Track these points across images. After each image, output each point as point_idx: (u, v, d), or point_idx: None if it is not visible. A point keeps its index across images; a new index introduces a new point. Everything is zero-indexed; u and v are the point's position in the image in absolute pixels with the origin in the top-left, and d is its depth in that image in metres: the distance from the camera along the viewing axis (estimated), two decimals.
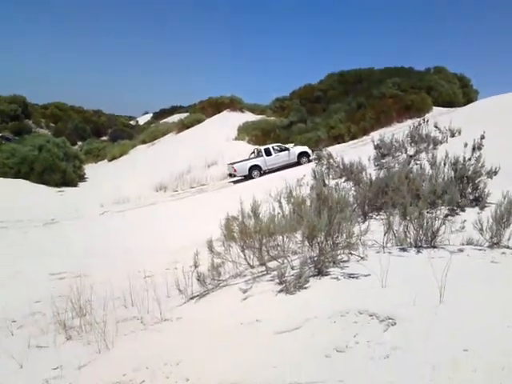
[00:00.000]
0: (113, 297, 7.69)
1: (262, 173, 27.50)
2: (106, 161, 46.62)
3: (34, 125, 76.27)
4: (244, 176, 27.35)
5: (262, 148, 28.65)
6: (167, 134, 50.24)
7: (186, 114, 60.43)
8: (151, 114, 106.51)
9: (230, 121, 44.83)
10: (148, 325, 5.94)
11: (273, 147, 28.65)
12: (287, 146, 29.58)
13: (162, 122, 72.15)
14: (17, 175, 33.50)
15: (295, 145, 31.69)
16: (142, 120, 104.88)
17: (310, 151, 28.16)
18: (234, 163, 27.76)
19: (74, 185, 34.95)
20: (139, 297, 7.20)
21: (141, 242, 15.52)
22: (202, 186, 27.97)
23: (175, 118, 66.36)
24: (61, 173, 34.31)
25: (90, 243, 17.10)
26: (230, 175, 27.72)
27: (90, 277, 9.95)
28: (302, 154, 28.42)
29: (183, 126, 49.54)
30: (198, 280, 6.55)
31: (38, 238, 19.61)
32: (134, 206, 25.20)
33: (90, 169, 41.23)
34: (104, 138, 68.91)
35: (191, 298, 6.59)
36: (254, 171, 27.44)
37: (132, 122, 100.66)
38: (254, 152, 29.30)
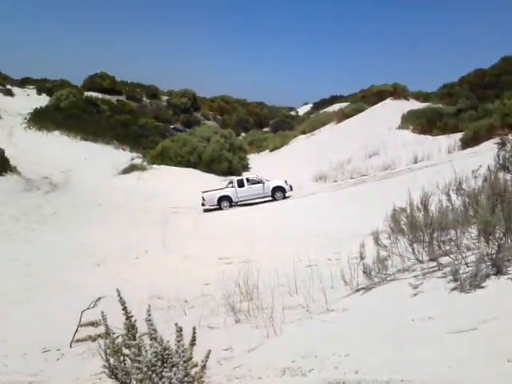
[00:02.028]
0: (278, 283, 7.88)
1: (233, 204, 26.46)
2: (267, 151, 47.98)
3: (202, 117, 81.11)
4: (213, 206, 26.24)
5: (236, 179, 27.61)
6: (327, 123, 50.17)
7: (346, 104, 59.88)
8: (311, 105, 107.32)
9: (392, 109, 43.41)
10: (314, 314, 5.98)
11: (247, 179, 27.56)
12: (264, 179, 27.30)
13: (321, 112, 72.32)
14: (187, 164, 35.97)
15: None
16: (302, 110, 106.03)
17: (286, 186, 26.65)
18: (206, 192, 26.59)
19: (239, 174, 36.55)
20: (303, 285, 7.27)
21: (301, 231, 15.74)
22: (362, 177, 27.51)
23: (335, 107, 66.05)
24: (227, 163, 36.13)
25: (252, 230, 17.80)
26: (203, 204, 26.26)
27: (255, 262, 10.31)
28: (276, 189, 26.60)
29: (343, 115, 49.14)
30: (364, 272, 6.44)
31: (207, 224, 20.87)
32: (294, 196, 25.66)
33: (252, 159, 42.78)
34: (266, 129, 70.88)
35: (357, 290, 6.50)
36: (224, 202, 26.31)
37: (292, 113, 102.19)
38: (231, 182, 27.89)
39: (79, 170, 36.35)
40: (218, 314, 7.16)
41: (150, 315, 2.19)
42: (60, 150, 40.82)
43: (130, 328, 2.48)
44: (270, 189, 26.43)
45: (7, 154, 34.24)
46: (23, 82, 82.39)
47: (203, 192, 26.28)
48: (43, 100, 63.51)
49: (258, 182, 26.90)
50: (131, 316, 2.41)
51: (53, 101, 57.58)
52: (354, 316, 5.56)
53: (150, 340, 2.25)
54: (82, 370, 6.89)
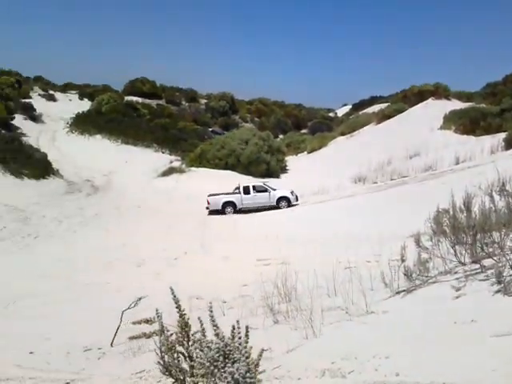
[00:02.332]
0: (316, 285, 7.83)
1: (238, 210, 26.14)
2: (305, 153, 47.80)
3: (240, 119, 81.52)
4: (217, 211, 25.98)
5: (242, 185, 26.99)
6: (366, 124, 49.68)
7: (386, 104, 59.18)
8: (350, 106, 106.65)
9: (434, 109, 42.60)
10: (353, 316, 5.91)
11: (253, 186, 26.97)
12: (271, 188, 26.97)
13: (361, 113, 71.76)
14: (225, 166, 36.20)
15: None
16: (341, 112, 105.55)
17: (291, 196, 26.25)
18: (212, 195, 26.43)
19: (277, 176, 36.60)
20: (342, 287, 7.21)
21: (338, 233, 15.61)
22: (402, 178, 27.07)
23: (375, 108, 65.45)
24: (265, 165, 36.18)
25: (290, 232, 17.75)
26: (207, 208, 26.05)
27: (293, 264, 10.28)
28: (281, 199, 26.26)
29: (383, 116, 48.55)
30: (405, 275, 6.34)
31: (244, 226, 20.94)
32: (333, 198, 25.45)
33: (290, 161, 42.69)
34: (304, 131, 70.69)
35: (397, 293, 6.40)
36: (228, 208, 26.12)
37: (331, 114, 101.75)
38: (237, 187, 27.22)
39: (120, 172, 37.07)
40: (257, 315, 7.16)
41: (211, 311, 2.24)
42: (101, 153, 41.71)
43: (184, 325, 2.54)
44: (276, 198, 26.31)
45: (50, 158, 35.23)
46: (65, 88, 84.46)
47: (209, 195, 26.31)
48: (85, 105, 65.00)
49: (265, 191, 26.66)
50: (184, 314, 2.45)
51: (94, 105, 58.85)
52: (395, 318, 5.47)
53: (202, 336, 2.30)
54: (123, 368, 6.99)
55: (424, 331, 4.73)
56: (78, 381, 7.10)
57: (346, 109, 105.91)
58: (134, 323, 8.45)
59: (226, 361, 2.13)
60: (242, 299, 8.91)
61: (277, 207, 25.95)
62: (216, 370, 2.13)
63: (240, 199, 26.22)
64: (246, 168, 35.97)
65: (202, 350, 2.25)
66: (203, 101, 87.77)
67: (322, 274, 8.15)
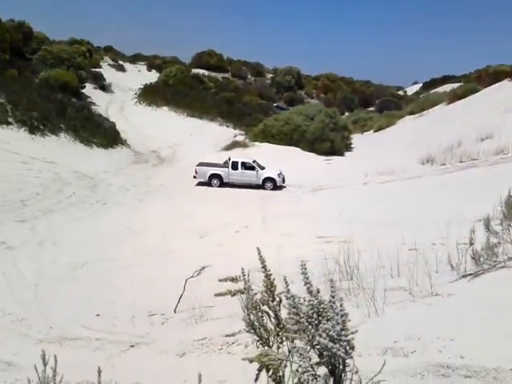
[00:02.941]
0: (379, 265, 7.72)
1: (225, 184, 25.95)
2: (371, 131, 46.87)
3: (306, 95, 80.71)
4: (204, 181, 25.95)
5: (232, 160, 26.62)
6: (437, 104, 47.92)
7: (458, 84, 56.94)
8: (420, 84, 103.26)
9: (509, 91, 40.67)
10: (417, 297, 5.82)
11: (243, 163, 26.44)
12: (259, 167, 26.36)
13: (432, 92, 69.38)
14: (289, 142, 36.02)
15: None
16: (411, 90, 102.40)
17: (278, 178, 25.79)
18: (200, 165, 26.48)
19: (341, 154, 36.09)
20: (406, 268, 7.08)
21: (403, 215, 15.28)
22: (472, 161, 26.08)
23: (446, 87, 63.04)
24: (330, 142, 35.74)
25: (353, 210, 17.53)
26: (194, 177, 26.02)
27: (355, 243, 10.17)
28: (267, 179, 25.87)
29: (455, 96, 46.60)
30: (473, 258, 6.14)
31: (306, 203, 20.85)
32: (398, 178, 24.89)
33: (356, 139, 42.00)
34: (371, 109, 69.18)
35: (464, 276, 6.22)
36: (214, 180, 26.01)
37: (400, 93, 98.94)
38: (226, 161, 26.97)
39: (184, 145, 37.67)
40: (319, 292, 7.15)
41: (305, 269, 2.28)
42: (167, 125, 42.40)
43: (270, 285, 2.61)
44: (262, 178, 26.04)
45: (118, 128, 36.15)
46: (134, 58, 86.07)
47: (197, 165, 26.52)
48: (153, 76, 66.09)
49: (252, 169, 26.36)
50: (270, 274, 2.52)
51: (162, 77, 59.66)
52: (461, 301, 5.34)
53: (287, 298, 2.37)
54: (186, 334, 7.20)
55: (490, 316, 4.58)
56: (142, 344, 7.37)
57: (417, 87, 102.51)
58: (220, 280, 8.61)
59: (320, 318, 2.16)
60: (299, 275, 8.92)
61: (262, 187, 25.76)
62: (310, 327, 2.16)
63: (227, 173, 26.20)
64: (310, 144, 35.62)
65: (295, 307, 2.29)
66: (269, 75, 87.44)
67: (386, 254, 8.02)
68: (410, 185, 22.33)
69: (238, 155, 30.18)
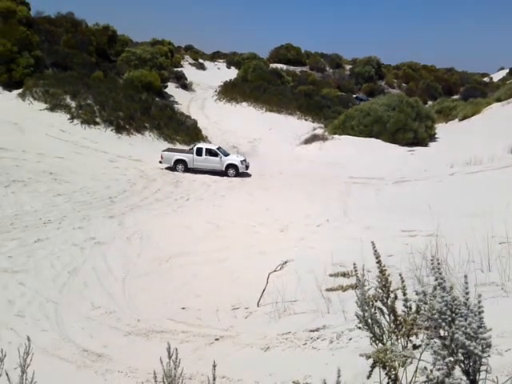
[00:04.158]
0: (468, 259, 7.39)
1: (188, 169, 26.54)
2: (456, 120, 45.05)
3: (386, 85, 78.82)
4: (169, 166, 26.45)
5: (197, 146, 27.51)
6: None
7: None
8: (507, 70, 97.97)
9: None
10: (510, 292, 5.50)
11: (207, 149, 27.07)
12: (223, 153, 27.26)
13: None
14: (370, 134, 35.31)
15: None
16: (497, 76, 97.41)
17: (240, 165, 26.61)
18: (166, 151, 27.22)
19: (425, 144, 34.98)
20: (498, 262, 6.72)
21: (491, 206, 14.54)
22: None
23: None
24: (412, 132, 34.70)
25: (439, 203, 16.89)
26: (160, 162, 26.32)
27: (442, 237, 9.79)
28: (230, 166, 26.67)
29: None
30: None
31: (389, 196, 20.34)
32: (486, 168, 23.75)
33: (440, 128, 40.55)
34: (455, 97, 66.46)
35: None
36: (179, 165, 26.49)
37: (486, 79, 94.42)
38: (191, 148, 27.70)
39: (264, 139, 37.87)
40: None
41: (439, 263, 2.23)
42: (247, 120, 42.78)
43: (385, 281, 2.58)
44: (225, 164, 26.69)
45: (199, 125, 36.93)
46: (214, 56, 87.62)
47: (163, 150, 27.17)
48: (232, 73, 66.92)
49: (216, 155, 26.90)
50: (385, 269, 2.48)
51: (241, 73, 60.25)
52: None
53: (417, 294, 2.33)
54: (270, 328, 7.22)
55: None
56: (227, 338, 7.46)
57: (503, 73, 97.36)
58: (330, 275, 8.61)
59: (453, 315, 2.10)
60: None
61: (225, 173, 26.50)
62: (444, 324, 2.10)
63: (192, 159, 26.69)
64: (391, 135, 34.75)
65: (426, 303, 2.24)
66: (348, 66, 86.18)
67: (475, 248, 7.66)
68: (499, 175, 21.23)
69: (316, 148, 29.99)
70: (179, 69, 61.33)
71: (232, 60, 79.93)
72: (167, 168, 26.24)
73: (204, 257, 12.80)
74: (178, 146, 30.97)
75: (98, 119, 30.01)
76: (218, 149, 27.70)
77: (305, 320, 7.29)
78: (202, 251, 13.29)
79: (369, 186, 23.51)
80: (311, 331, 6.63)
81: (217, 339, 7.67)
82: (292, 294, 8.39)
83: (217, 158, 26.88)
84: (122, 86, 39.19)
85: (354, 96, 65.07)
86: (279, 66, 71.83)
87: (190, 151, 27.35)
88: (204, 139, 35.03)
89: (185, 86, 55.94)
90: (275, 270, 9.73)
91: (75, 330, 8.93)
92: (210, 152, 26.98)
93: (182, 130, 33.87)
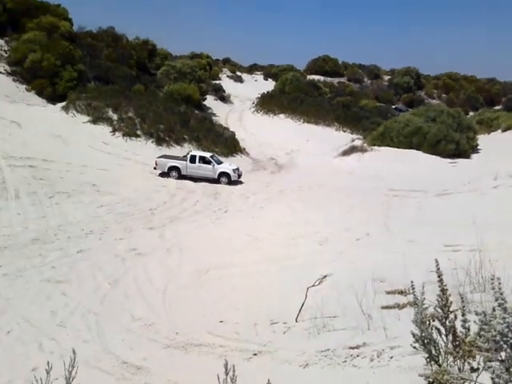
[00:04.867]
0: None
1: (183, 176, 26.76)
2: (499, 131, 44.03)
3: (426, 96, 77.82)
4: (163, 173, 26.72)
5: (191, 153, 27.68)
6: None
7: None
8: None
9: None
10: None
11: (201, 157, 27.31)
12: (217, 161, 27.65)
13: None
14: (410, 145, 34.78)
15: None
16: None
17: (233, 173, 26.91)
18: (160, 157, 27.26)
19: (467, 156, 34.26)
20: None
21: None
22: None
23: None
24: (454, 143, 34.03)
25: (483, 217, 16.46)
26: (155, 168, 26.61)
27: (486, 252, 9.49)
28: (222, 174, 27.00)
29: None
30: None
31: (431, 209, 19.92)
32: None
33: (482, 139, 39.68)
34: (497, 108, 65.11)
35: None
36: (173, 172, 26.74)
37: None
38: (185, 155, 27.80)
39: (301, 151, 37.80)
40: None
41: (499, 283, 2.17)
42: (284, 132, 42.85)
43: (445, 301, 2.52)
44: (217, 172, 26.96)
45: (237, 137, 37.17)
46: (251, 69, 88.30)
47: (158, 157, 27.29)
48: (269, 85, 67.30)
49: (209, 163, 27.16)
50: (446, 289, 2.41)
51: (278, 85, 60.55)
52: None
53: (477, 314, 2.25)
54: (308, 345, 7.09)
55: None
56: (265, 353, 7.38)
57: None
58: (387, 293, 8.47)
59: None
60: (430, 286, 8.47)
61: (217, 181, 26.77)
62: (505, 346, 2.02)
63: (185, 166, 26.90)
64: (432, 147, 34.09)
65: (486, 324, 2.16)
66: (386, 77, 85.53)
67: None
68: None
69: (355, 160, 29.67)
70: (217, 81, 62.10)
71: (269, 72, 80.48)
72: (160, 174, 26.61)
73: (243, 269, 12.76)
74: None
75: (138, 131, 30.59)
76: (212, 157, 28.03)
77: (344, 337, 7.14)
78: (241, 263, 13.26)
79: (410, 199, 23.08)
80: (351, 348, 6.48)
81: (255, 354, 7.59)
82: (331, 310, 8.24)
83: (210, 166, 27.22)
84: (162, 98, 39.87)
85: (393, 107, 64.47)
86: (316, 77, 71.91)
87: (183, 158, 27.62)
88: (242, 151, 35.18)
89: (223, 98, 56.53)
90: (314, 285, 9.61)
91: (116, 342, 9.00)
92: (204, 160, 27.31)
93: (220, 141, 34.13)
